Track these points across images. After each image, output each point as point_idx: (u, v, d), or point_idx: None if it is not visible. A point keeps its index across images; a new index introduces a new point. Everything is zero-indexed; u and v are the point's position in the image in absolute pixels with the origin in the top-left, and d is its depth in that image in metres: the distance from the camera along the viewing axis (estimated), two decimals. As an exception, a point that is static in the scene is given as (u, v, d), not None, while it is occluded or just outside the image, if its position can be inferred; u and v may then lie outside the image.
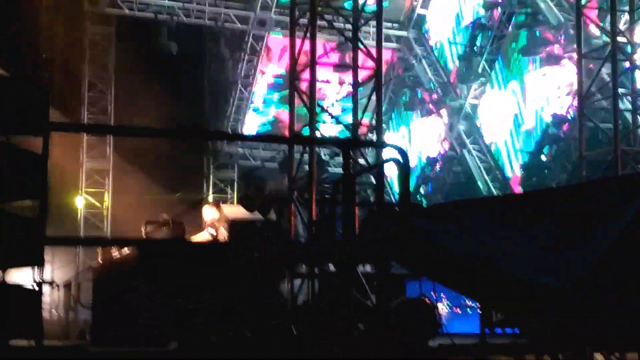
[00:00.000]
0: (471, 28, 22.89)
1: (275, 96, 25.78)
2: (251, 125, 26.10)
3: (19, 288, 6.64)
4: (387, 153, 9.92)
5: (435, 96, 24.23)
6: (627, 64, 14.61)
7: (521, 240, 6.63)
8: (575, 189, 8.50)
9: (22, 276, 9.32)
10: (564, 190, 10.40)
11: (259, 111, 26.13)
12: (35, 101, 6.14)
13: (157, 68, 23.11)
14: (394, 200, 19.10)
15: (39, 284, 8.04)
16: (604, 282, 5.65)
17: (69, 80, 22.99)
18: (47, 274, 18.28)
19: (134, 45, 23.68)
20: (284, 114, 23.64)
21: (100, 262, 16.16)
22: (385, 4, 11.99)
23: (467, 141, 23.03)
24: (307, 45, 11.40)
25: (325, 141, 11.32)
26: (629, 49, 14.53)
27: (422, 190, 24.90)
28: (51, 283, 17.47)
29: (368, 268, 10.98)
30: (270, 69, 25.26)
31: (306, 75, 11.41)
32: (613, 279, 5.76)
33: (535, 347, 8.60)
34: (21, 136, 6.30)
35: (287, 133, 11.95)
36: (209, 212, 13.90)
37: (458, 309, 15.18)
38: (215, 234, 13.22)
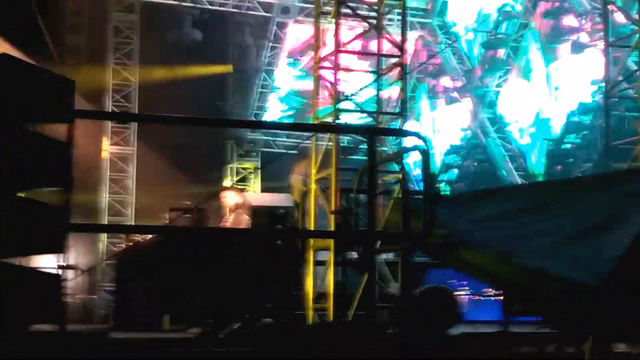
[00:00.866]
0: (496, 15, 22.76)
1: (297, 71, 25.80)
2: (275, 112, 26.13)
3: (42, 273, 6.68)
4: (410, 141, 9.89)
5: (459, 84, 24.14)
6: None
7: (545, 230, 6.60)
8: (599, 179, 8.44)
9: (45, 261, 9.39)
10: (589, 180, 10.34)
11: (282, 99, 26.17)
12: (60, 89, 6.15)
13: (181, 56, 23.16)
14: (417, 189, 19.03)
15: (62, 270, 8.09)
16: (631, 274, 5.62)
17: (93, 67, 23.07)
18: (71, 259, 18.44)
19: (159, 33, 23.73)
20: (306, 84, 23.81)
21: (124, 247, 16.28)
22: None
23: (491, 129, 22.93)
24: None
25: (349, 129, 11.28)
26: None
27: (445, 178, 24.83)
28: (74, 268, 17.61)
29: (390, 255, 10.99)
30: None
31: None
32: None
33: (558, 338, 8.57)
34: (46, 124, 6.32)
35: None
36: (232, 197, 13.97)
37: (479, 296, 15.14)
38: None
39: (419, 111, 26.53)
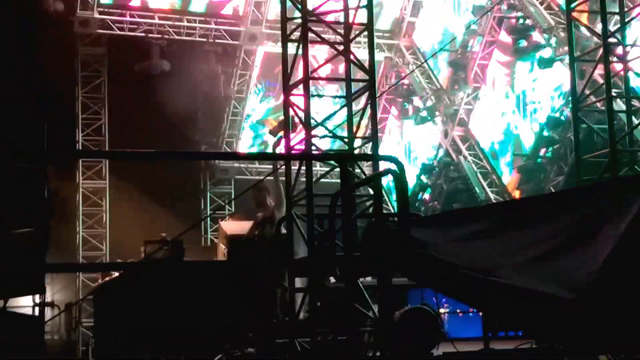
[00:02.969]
0: (463, 34, 22.94)
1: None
2: (247, 140, 26.16)
3: (20, 315, 6.63)
4: (385, 163, 9.93)
5: (429, 103, 24.27)
6: (619, 65, 14.64)
7: (522, 247, 6.63)
8: (572, 193, 8.50)
9: (23, 300, 9.34)
10: (562, 194, 10.40)
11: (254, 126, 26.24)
12: (31, 129, 6.14)
13: (150, 86, 23.14)
14: (393, 211, 19.11)
15: (41, 310, 8.04)
16: (609, 287, 5.65)
17: (62, 102, 23.01)
18: (48, 296, 18.33)
19: (126, 65, 23.72)
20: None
21: (100, 282, 16.19)
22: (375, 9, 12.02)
23: (463, 147, 23.05)
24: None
25: (322, 157, 11.30)
26: (620, 50, 14.56)
27: (420, 198, 24.90)
28: (52, 305, 17.48)
29: (369, 278, 10.99)
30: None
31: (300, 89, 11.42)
32: (619, 282, 5.76)
33: (541, 353, 8.60)
34: (19, 164, 6.29)
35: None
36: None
37: (460, 313, 15.16)
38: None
39: (391, 132, 26.67)
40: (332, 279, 11.12)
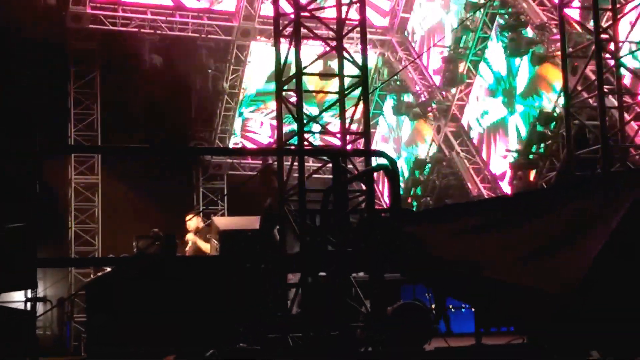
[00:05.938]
0: (455, 30, 22.94)
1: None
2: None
3: (12, 309, 6.63)
4: (377, 159, 9.95)
5: (421, 99, 24.25)
6: (611, 61, 14.69)
7: (514, 243, 6.64)
8: (564, 189, 8.52)
9: (15, 295, 9.32)
10: (554, 190, 10.44)
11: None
12: (21, 126, 6.14)
13: (142, 82, 23.08)
14: (385, 206, 19.13)
15: (33, 304, 8.03)
16: (600, 284, 5.67)
17: (54, 98, 22.96)
18: (40, 291, 18.33)
19: (118, 60, 23.67)
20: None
21: (92, 277, 16.21)
22: None
23: (455, 143, 23.06)
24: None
25: (315, 152, 11.32)
26: (612, 46, 14.61)
27: (412, 193, 24.91)
28: (44, 300, 17.49)
29: (362, 273, 11.01)
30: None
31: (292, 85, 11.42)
32: (610, 279, 5.78)
33: (532, 349, 8.63)
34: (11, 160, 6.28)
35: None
36: (193, 221, 14.15)
37: (452, 308, 15.21)
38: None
39: (384, 127, 26.70)
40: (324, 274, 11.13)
